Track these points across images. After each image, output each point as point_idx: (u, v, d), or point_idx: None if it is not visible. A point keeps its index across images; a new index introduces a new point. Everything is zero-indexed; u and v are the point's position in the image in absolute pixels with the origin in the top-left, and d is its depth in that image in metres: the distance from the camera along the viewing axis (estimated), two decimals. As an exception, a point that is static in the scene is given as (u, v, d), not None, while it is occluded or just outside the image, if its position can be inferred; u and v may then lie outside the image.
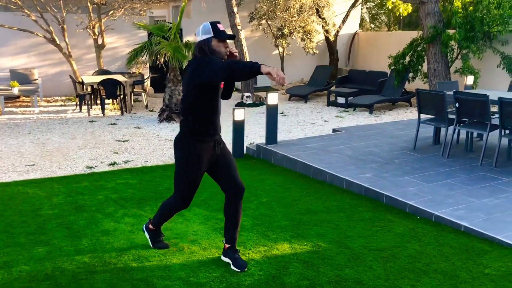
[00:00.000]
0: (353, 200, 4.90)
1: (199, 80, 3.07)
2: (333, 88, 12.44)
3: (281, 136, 8.11)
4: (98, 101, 10.62)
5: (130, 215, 4.47)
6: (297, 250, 3.70)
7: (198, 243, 3.84)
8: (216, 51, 3.14)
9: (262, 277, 3.28)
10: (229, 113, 9.58)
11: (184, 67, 8.85)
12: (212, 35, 3.14)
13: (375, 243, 3.84)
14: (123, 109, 10.26)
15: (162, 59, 9.12)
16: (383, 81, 11.64)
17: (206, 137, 3.26)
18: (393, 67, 11.13)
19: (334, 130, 8.08)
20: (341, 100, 11.41)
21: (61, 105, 11.22)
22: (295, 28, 13.22)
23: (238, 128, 6.64)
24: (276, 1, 12.96)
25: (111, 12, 11.61)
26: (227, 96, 3.49)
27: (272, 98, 6.66)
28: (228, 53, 3.22)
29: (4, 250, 3.68)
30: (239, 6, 13.10)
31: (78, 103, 10.46)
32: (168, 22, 11.37)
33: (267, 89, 13.89)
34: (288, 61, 14.56)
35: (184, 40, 12.54)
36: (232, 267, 3.35)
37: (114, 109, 10.80)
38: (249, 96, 11.54)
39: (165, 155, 6.83)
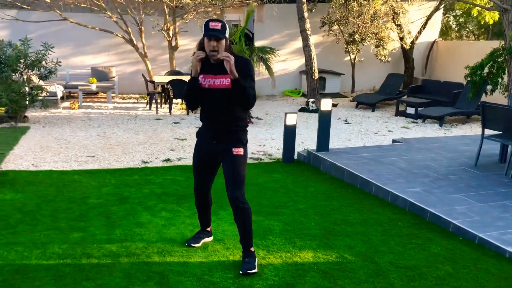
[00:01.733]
0: (395, 215, 4.68)
1: None
2: (404, 97, 11.96)
3: (338, 143, 7.96)
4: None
5: (167, 210, 4.61)
6: (320, 260, 3.60)
7: (223, 243, 3.87)
8: (205, 48, 3.25)
9: (275, 283, 3.23)
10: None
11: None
12: (203, 32, 3.22)
13: (405, 261, 3.63)
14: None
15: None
16: (458, 93, 10.99)
17: (204, 131, 3.48)
18: (469, 78, 10.46)
19: (393, 141, 7.77)
20: (411, 110, 10.93)
21: (134, 102, 11.84)
22: (368, 34, 12.89)
23: (289, 133, 6.60)
24: (349, 7, 12.72)
25: (186, 15, 12.06)
26: (242, 104, 3.35)
27: (326, 104, 6.54)
28: (215, 54, 3.22)
29: (45, 232, 3.96)
30: (312, 12, 13.03)
31: (149, 101, 10.98)
32: (235, 25, 11.59)
33: (336, 95, 13.67)
34: (360, 68, 14.22)
35: (255, 44, 12.74)
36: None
37: (182, 108, 11.19)
38: (314, 101, 11.43)
39: (217, 155, 6.96)
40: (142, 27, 12.02)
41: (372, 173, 5.72)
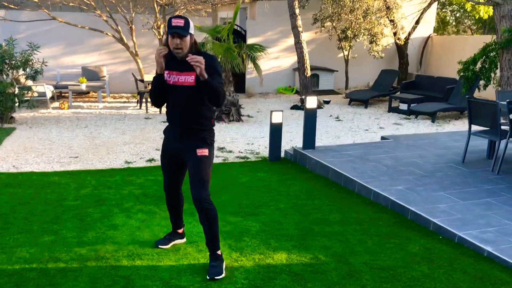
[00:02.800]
0: (376, 213, 4.59)
1: None
2: (397, 93, 11.86)
3: (327, 141, 7.87)
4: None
5: (144, 211, 4.53)
6: (293, 261, 3.52)
7: (196, 245, 3.79)
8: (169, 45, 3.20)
9: (244, 286, 3.15)
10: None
11: (235, 68, 8.88)
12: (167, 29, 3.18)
13: (380, 261, 3.55)
14: (180, 107, 10.51)
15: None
16: (450, 88, 10.89)
17: (168, 130, 3.44)
18: (462, 74, 10.36)
19: (382, 138, 7.68)
20: (403, 106, 10.84)
21: (124, 102, 11.76)
22: (360, 30, 12.78)
23: (275, 131, 6.51)
24: (342, 3, 12.61)
25: (176, 13, 11.97)
26: (213, 103, 3.27)
27: (311, 102, 6.45)
28: (179, 52, 3.16)
29: (15, 236, 3.88)
30: (304, 8, 12.93)
31: (139, 100, 10.90)
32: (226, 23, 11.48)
33: (329, 92, 13.58)
34: (354, 65, 14.11)
35: (248, 42, 12.65)
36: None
37: (173, 107, 11.09)
38: (306, 99, 11.32)
39: (203, 155, 6.88)
40: (133, 26, 11.94)
41: (357, 171, 5.63)
